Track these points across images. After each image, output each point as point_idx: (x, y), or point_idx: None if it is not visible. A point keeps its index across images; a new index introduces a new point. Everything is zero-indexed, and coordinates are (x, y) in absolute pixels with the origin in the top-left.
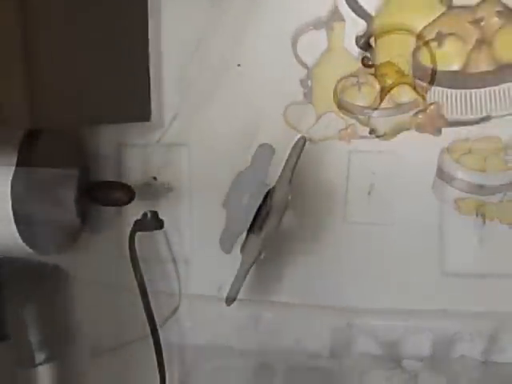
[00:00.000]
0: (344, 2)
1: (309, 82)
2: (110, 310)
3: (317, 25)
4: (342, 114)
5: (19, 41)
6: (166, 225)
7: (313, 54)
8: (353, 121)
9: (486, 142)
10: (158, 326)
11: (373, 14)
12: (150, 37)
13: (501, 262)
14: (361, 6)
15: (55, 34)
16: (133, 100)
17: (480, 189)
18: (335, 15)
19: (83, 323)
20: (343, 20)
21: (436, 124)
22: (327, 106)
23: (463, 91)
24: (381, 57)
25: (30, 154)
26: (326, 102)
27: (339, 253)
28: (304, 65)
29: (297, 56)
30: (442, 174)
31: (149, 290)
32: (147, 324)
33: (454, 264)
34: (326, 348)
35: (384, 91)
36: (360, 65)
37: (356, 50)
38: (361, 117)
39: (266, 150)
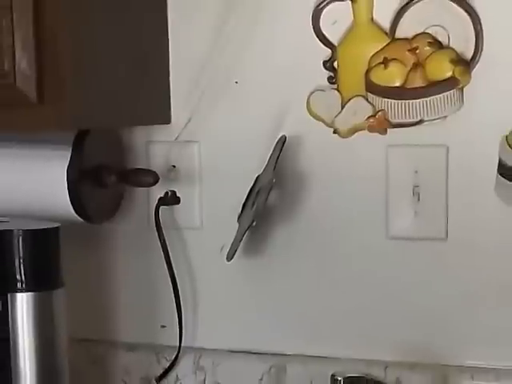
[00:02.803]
0: None
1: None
2: (139, 267)
3: None
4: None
5: (73, 62)
6: (182, 201)
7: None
8: None
9: None
10: (175, 273)
11: (336, 44)
12: (170, 59)
13: (432, 228)
14: (327, 38)
15: (101, 60)
16: (157, 108)
17: None
18: None
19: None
20: None
21: (383, 126)
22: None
23: (403, 101)
24: (342, 76)
25: (80, 148)
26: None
27: (310, 221)
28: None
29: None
30: None
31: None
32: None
33: (396, 228)
34: None
35: (344, 100)
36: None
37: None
38: (327, 120)
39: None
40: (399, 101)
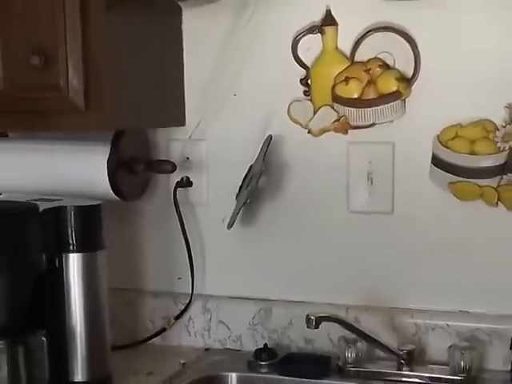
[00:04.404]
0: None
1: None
2: (161, 233)
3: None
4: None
5: (112, 80)
6: (193, 184)
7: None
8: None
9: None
10: (188, 238)
11: (309, 66)
12: (185, 78)
13: (382, 204)
14: (302, 61)
15: (133, 79)
16: (175, 114)
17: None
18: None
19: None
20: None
21: (345, 128)
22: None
23: (360, 109)
24: (314, 90)
25: (117, 145)
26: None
27: (290, 199)
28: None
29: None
30: None
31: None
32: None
33: (355, 204)
34: None
35: (315, 108)
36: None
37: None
38: (302, 123)
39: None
40: (357, 109)
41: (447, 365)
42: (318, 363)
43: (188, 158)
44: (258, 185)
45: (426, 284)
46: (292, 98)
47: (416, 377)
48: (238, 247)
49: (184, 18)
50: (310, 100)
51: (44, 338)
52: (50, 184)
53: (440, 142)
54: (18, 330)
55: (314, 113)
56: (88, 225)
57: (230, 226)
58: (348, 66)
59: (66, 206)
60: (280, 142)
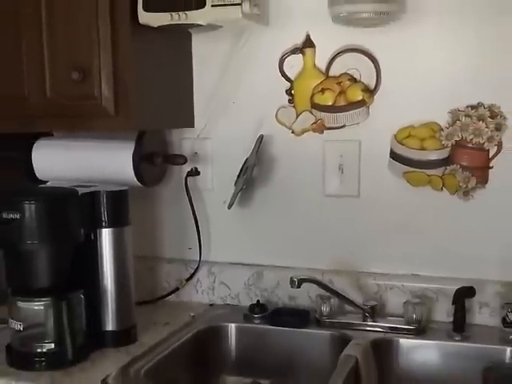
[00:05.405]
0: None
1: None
2: (175, 213)
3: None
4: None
5: (136, 91)
6: (201, 173)
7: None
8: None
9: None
10: (197, 216)
11: (293, 79)
12: (194, 90)
13: (350, 190)
14: (287, 76)
15: (153, 91)
16: (186, 118)
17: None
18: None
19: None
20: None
21: (321, 128)
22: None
23: (333, 114)
24: (297, 98)
25: (140, 142)
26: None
27: (277, 186)
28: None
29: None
30: None
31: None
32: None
33: (329, 189)
34: None
35: (298, 113)
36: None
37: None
38: (287, 125)
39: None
40: (331, 113)
41: (402, 317)
42: (300, 316)
43: (196, 153)
44: (252, 174)
45: (386, 253)
46: (279, 105)
47: (378, 326)
48: (237, 223)
49: (193, 42)
50: (294, 107)
51: (82, 296)
52: (87, 173)
53: (396, 140)
54: (62, 290)
55: (297, 117)
56: (117, 206)
57: (229, 206)
58: (324, 80)
59: (99, 191)
60: (269, 141)
